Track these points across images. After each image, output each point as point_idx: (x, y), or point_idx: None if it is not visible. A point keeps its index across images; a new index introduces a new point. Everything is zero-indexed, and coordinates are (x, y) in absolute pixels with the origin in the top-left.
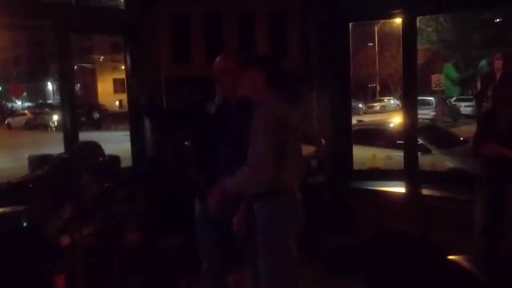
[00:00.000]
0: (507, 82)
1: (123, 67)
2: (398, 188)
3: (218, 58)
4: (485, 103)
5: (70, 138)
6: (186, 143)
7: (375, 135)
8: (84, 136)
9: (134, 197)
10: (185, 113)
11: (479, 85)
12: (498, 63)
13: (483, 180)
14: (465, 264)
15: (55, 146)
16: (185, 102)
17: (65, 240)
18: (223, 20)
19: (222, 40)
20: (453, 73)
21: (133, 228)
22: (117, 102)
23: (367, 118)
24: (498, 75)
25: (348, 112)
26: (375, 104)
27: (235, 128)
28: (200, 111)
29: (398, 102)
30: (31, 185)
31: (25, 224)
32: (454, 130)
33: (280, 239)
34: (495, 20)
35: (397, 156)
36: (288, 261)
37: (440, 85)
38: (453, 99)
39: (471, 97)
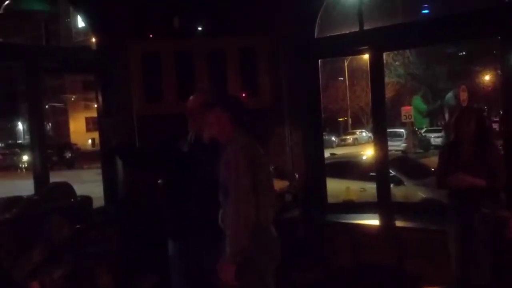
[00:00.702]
0: (466, 115)
1: (95, 106)
2: (372, 220)
3: (190, 97)
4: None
5: (40, 179)
6: (159, 181)
7: (348, 168)
8: (56, 175)
9: (106, 238)
10: (157, 152)
11: (447, 116)
12: (464, 95)
13: (451, 211)
14: None
15: (25, 187)
16: (158, 140)
17: (35, 285)
18: (194, 58)
19: (193, 78)
20: (422, 105)
21: (105, 270)
22: (90, 141)
23: (340, 151)
24: (463, 105)
25: (320, 145)
26: (348, 137)
27: (207, 166)
28: (173, 150)
29: (370, 134)
30: None
31: None
32: (425, 160)
33: (256, 277)
34: (459, 54)
35: (371, 188)
36: None
37: (410, 117)
38: (423, 130)
39: (440, 128)
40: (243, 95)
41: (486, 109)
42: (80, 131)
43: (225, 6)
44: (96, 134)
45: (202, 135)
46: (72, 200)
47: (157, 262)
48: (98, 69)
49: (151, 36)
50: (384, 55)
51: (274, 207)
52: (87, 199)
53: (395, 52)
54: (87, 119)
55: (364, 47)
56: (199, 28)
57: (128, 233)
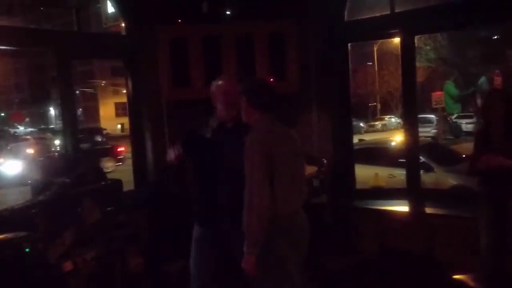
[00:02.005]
0: (494, 97)
1: (124, 91)
2: (401, 207)
3: (223, 83)
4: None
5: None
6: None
7: (377, 154)
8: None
9: (136, 221)
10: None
11: (479, 101)
12: (498, 80)
13: (483, 198)
14: (471, 282)
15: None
16: (186, 127)
17: (68, 266)
18: (222, 43)
19: (221, 63)
20: (454, 91)
21: (135, 252)
22: (119, 126)
23: (368, 137)
24: None
25: (349, 131)
26: (376, 123)
27: (232, 151)
28: (197, 138)
29: (399, 120)
30: (33, 211)
31: (27, 250)
32: (456, 147)
33: (276, 266)
34: (492, 37)
35: (400, 175)
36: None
37: (440, 102)
38: (454, 116)
39: (471, 114)
40: (271, 79)
41: None
42: (110, 116)
43: None
44: (125, 119)
45: (234, 120)
46: (103, 183)
47: (185, 246)
48: (127, 55)
49: (179, 21)
50: (416, 39)
51: (301, 194)
52: (118, 182)
53: (426, 36)
54: (116, 104)
55: (395, 31)
56: (228, 13)
57: (157, 216)
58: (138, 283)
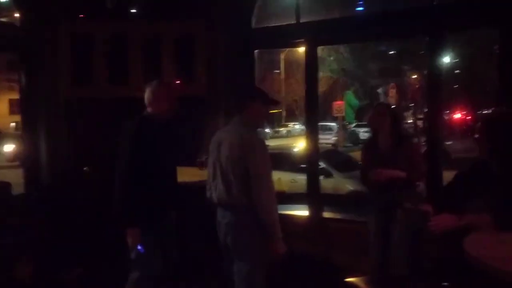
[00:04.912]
0: (381, 110)
1: None
2: (302, 211)
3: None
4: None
5: None
6: (85, 168)
7: (280, 159)
8: None
9: (27, 227)
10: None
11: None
12: (392, 92)
13: (372, 206)
14: (363, 285)
15: None
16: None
17: None
18: (128, 42)
19: (126, 62)
20: (353, 101)
21: (26, 260)
22: (13, 124)
23: (273, 143)
24: (392, 103)
25: None
26: (281, 129)
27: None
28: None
29: (303, 127)
30: None
31: None
32: (354, 154)
33: None
34: (389, 52)
35: (302, 180)
36: None
37: (341, 111)
38: (353, 125)
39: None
40: (177, 81)
41: (413, 107)
42: (3, 113)
43: None
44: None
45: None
46: None
47: (82, 253)
48: (21, 48)
49: (82, 16)
50: (319, 50)
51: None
52: (6, 185)
53: (330, 47)
54: (11, 101)
55: (299, 40)
56: (135, 11)
57: (51, 221)
58: None
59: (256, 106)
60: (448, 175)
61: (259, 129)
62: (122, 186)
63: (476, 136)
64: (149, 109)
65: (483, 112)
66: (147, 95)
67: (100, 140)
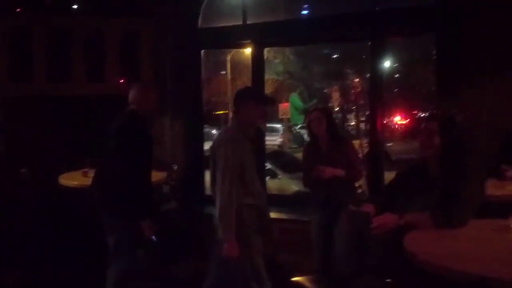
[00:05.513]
0: (318, 113)
1: None
2: None
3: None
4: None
5: None
6: (22, 170)
7: None
8: None
9: None
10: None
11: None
12: (336, 95)
13: (314, 205)
14: (308, 284)
15: None
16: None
17: None
18: (70, 39)
19: (69, 59)
20: (298, 103)
21: None
22: None
23: None
24: (335, 105)
25: (200, 137)
26: None
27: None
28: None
29: None
30: None
31: None
32: (299, 155)
33: None
34: (332, 56)
35: None
36: None
37: (286, 113)
38: (298, 126)
39: None
40: (121, 80)
41: (356, 109)
42: None
43: None
44: None
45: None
46: None
47: (20, 256)
48: None
49: (19, 10)
50: (266, 52)
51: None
52: None
53: (276, 49)
54: None
55: (246, 41)
56: (76, 7)
57: None
58: None
59: (249, 106)
60: (388, 176)
61: (258, 126)
62: (136, 180)
63: (422, 136)
64: (133, 107)
65: (423, 115)
66: (134, 93)
67: (39, 140)
